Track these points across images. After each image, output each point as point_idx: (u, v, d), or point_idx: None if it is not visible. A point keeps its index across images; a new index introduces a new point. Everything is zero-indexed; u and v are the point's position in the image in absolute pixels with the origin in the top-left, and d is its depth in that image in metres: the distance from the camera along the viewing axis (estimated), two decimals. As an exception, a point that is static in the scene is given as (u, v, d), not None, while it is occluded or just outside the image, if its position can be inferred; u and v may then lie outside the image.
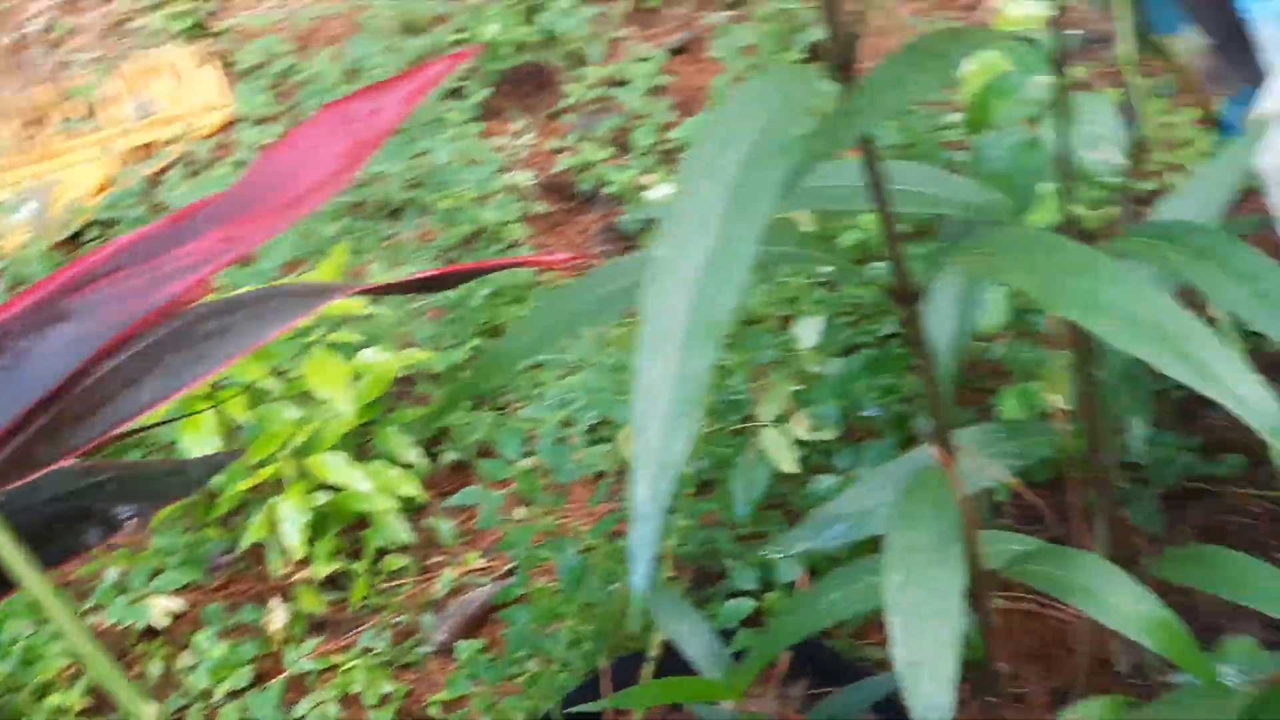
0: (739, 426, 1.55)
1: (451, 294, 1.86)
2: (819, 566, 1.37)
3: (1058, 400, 1.18)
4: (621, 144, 2.20)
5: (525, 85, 2.41)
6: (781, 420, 1.44)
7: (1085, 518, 0.95)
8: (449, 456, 1.70)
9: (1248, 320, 0.65)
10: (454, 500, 1.49)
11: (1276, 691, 0.76)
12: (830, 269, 1.55)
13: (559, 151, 2.23)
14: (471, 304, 1.85)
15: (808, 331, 1.54)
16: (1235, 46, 1.02)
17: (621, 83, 2.33)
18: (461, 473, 1.69)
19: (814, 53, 2.25)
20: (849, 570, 0.82)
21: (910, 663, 0.65)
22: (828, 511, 0.84)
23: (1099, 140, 0.86)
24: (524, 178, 2.16)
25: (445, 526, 1.61)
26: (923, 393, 0.95)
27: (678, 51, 2.42)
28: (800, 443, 1.43)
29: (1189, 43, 1.26)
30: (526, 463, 1.56)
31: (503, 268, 1.08)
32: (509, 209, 2.07)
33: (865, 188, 0.66)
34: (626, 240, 2.05)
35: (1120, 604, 0.78)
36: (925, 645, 0.65)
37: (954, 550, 0.68)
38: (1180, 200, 0.84)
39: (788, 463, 1.43)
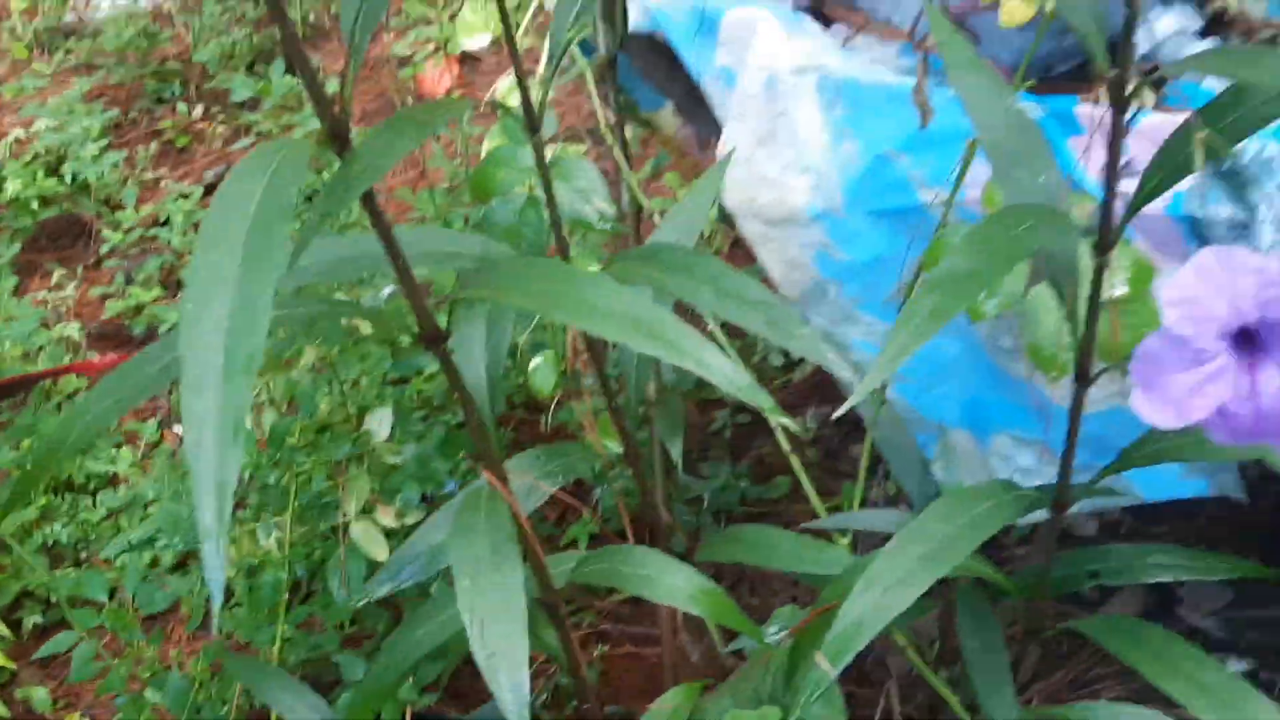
0: (331, 525, 1.58)
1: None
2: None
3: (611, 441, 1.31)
4: (170, 283, 2.20)
5: (61, 238, 2.36)
6: (368, 511, 1.49)
7: (636, 522, 1.06)
8: (33, 620, 1.63)
9: (717, 313, 0.78)
10: (44, 650, 1.44)
11: (801, 636, 0.89)
12: (391, 362, 1.63)
13: (106, 298, 2.20)
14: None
15: (380, 424, 1.61)
16: (695, 108, 1.18)
17: (162, 222, 2.33)
18: (51, 635, 1.63)
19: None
20: (431, 605, 0.89)
21: (489, 655, 0.73)
22: (402, 554, 0.91)
23: (589, 195, 0.98)
24: (72, 329, 2.11)
25: (39, 694, 1.54)
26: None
27: (214, 186, 2.44)
28: (390, 531, 1.49)
29: (668, 114, 1.44)
30: (117, 602, 1.53)
31: (45, 377, 1.08)
32: (60, 362, 2.02)
33: (384, 251, 0.74)
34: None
35: (672, 584, 0.89)
36: (498, 639, 0.73)
37: (510, 554, 0.76)
38: (665, 230, 0.97)
39: (380, 552, 1.48)
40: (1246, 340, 0.50)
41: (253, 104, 2.64)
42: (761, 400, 0.65)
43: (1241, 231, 0.89)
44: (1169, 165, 0.70)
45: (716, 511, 1.62)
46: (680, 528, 1.08)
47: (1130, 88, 0.68)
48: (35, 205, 2.35)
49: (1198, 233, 0.90)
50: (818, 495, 1.15)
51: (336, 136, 0.69)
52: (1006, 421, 1.06)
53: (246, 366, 0.55)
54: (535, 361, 1.41)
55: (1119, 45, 0.67)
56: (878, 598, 0.77)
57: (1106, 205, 0.73)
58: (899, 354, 0.63)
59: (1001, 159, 0.78)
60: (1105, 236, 0.73)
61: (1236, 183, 0.87)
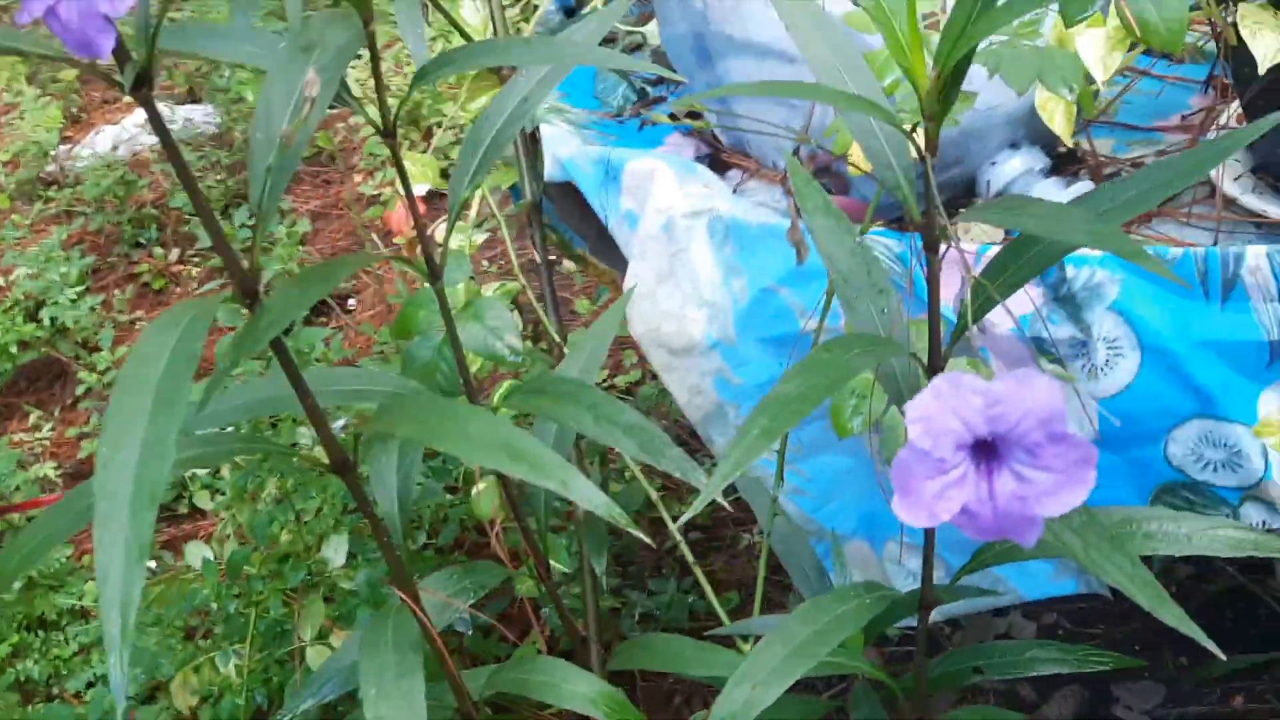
0: (289, 650, 1.65)
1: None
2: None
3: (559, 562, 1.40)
4: (143, 420, 2.28)
5: (39, 380, 2.46)
6: (324, 636, 1.57)
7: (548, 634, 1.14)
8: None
9: (595, 437, 0.87)
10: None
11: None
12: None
13: (82, 437, 2.28)
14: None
15: (336, 552, 1.69)
16: (608, 249, 1.28)
17: (136, 363, 2.42)
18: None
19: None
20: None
21: (391, 756, 0.80)
22: (327, 668, 0.99)
23: (501, 332, 1.08)
24: (48, 468, 2.19)
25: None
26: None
27: (188, 326, 2.54)
28: (342, 654, 1.55)
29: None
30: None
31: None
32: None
33: (295, 391, 0.83)
34: (163, 511, 2.13)
35: (574, 690, 0.97)
36: (400, 740, 0.81)
37: (413, 664, 0.84)
38: (571, 360, 1.07)
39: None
40: (986, 450, 0.59)
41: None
42: (616, 516, 0.74)
43: (1080, 348, 0.98)
44: (978, 297, 0.80)
45: (650, 620, 1.69)
46: (595, 639, 1.16)
47: (937, 230, 0.77)
48: (14, 349, 2.45)
49: (1043, 351, 1.00)
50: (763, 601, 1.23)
51: (246, 293, 0.79)
52: (896, 529, 1.14)
53: (151, 500, 0.64)
54: (479, 487, 1.49)
55: (924, 195, 0.77)
56: (747, 694, 0.85)
57: (932, 330, 0.82)
58: (733, 470, 0.71)
59: (847, 290, 0.88)
60: (934, 358, 0.83)
61: (1072, 305, 0.97)
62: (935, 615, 1.41)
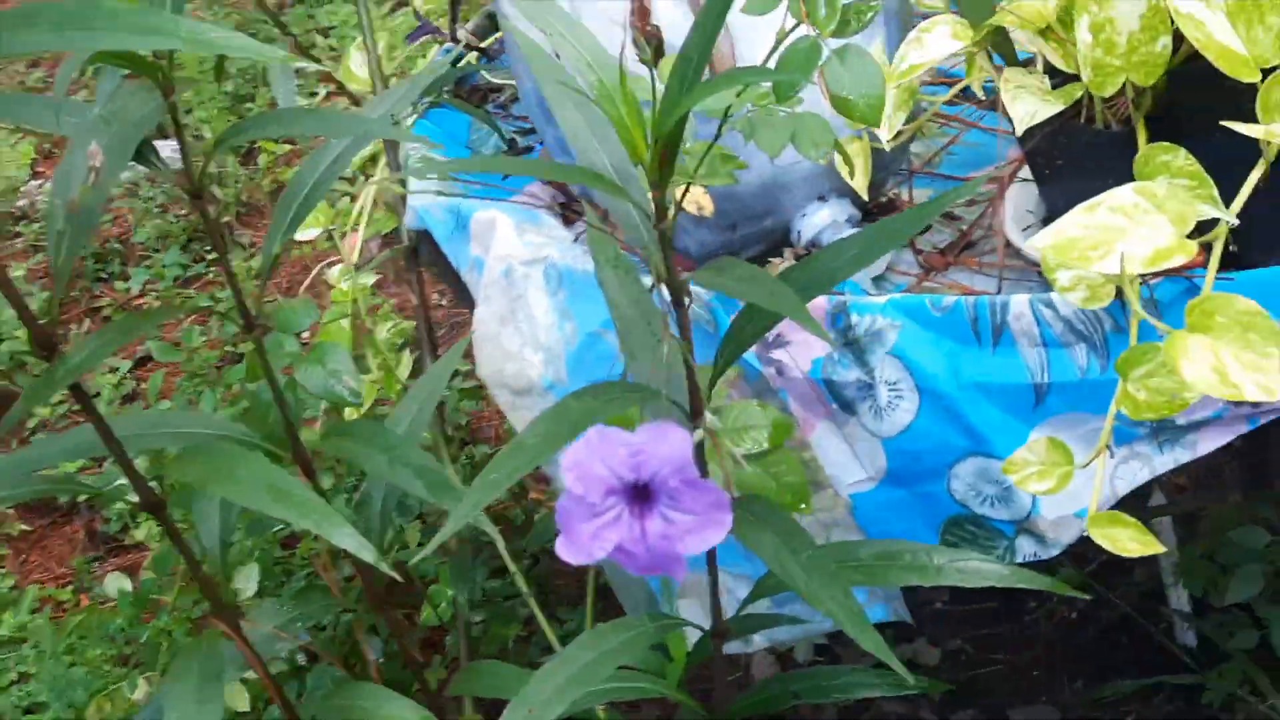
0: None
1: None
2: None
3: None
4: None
5: (-7, 413, 2.53)
6: (227, 662, 1.63)
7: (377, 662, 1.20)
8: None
9: (387, 477, 0.93)
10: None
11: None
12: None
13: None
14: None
15: (247, 582, 1.75)
16: (465, 292, 1.34)
17: (93, 395, 2.50)
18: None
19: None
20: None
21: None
22: (159, 696, 1.05)
23: (340, 374, 1.14)
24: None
25: None
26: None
27: (146, 359, 2.63)
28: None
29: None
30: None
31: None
32: (-18, 532, 2.18)
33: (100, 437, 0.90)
34: (111, 542, 2.20)
35: (392, 713, 1.03)
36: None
37: (214, 692, 0.91)
38: (408, 400, 1.13)
39: (241, 703, 1.61)
40: (641, 495, 0.64)
41: (187, 280, 2.84)
42: (368, 556, 0.80)
43: (867, 390, 1.04)
44: (729, 346, 0.86)
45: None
46: (424, 667, 1.22)
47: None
48: (-29, 382, 2.53)
49: (834, 393, 1.06)
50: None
51: (42, 345, 0.86)
52: (725, 560, 1.20)
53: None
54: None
55: (664, 255, 0.83)
56: (523, 717, 0.90)
57: (690, 378, 0.88)
58: (473, 508, 0.77)
59: (629, 339, 0.94)
60: (694, 404, 0.89)
61: (857, 350, 1.03)
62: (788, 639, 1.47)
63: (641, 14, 1.05)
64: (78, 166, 0.87)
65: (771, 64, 0.78)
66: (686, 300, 0.85)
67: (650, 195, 0.80)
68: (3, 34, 0.68)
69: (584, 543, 0.63)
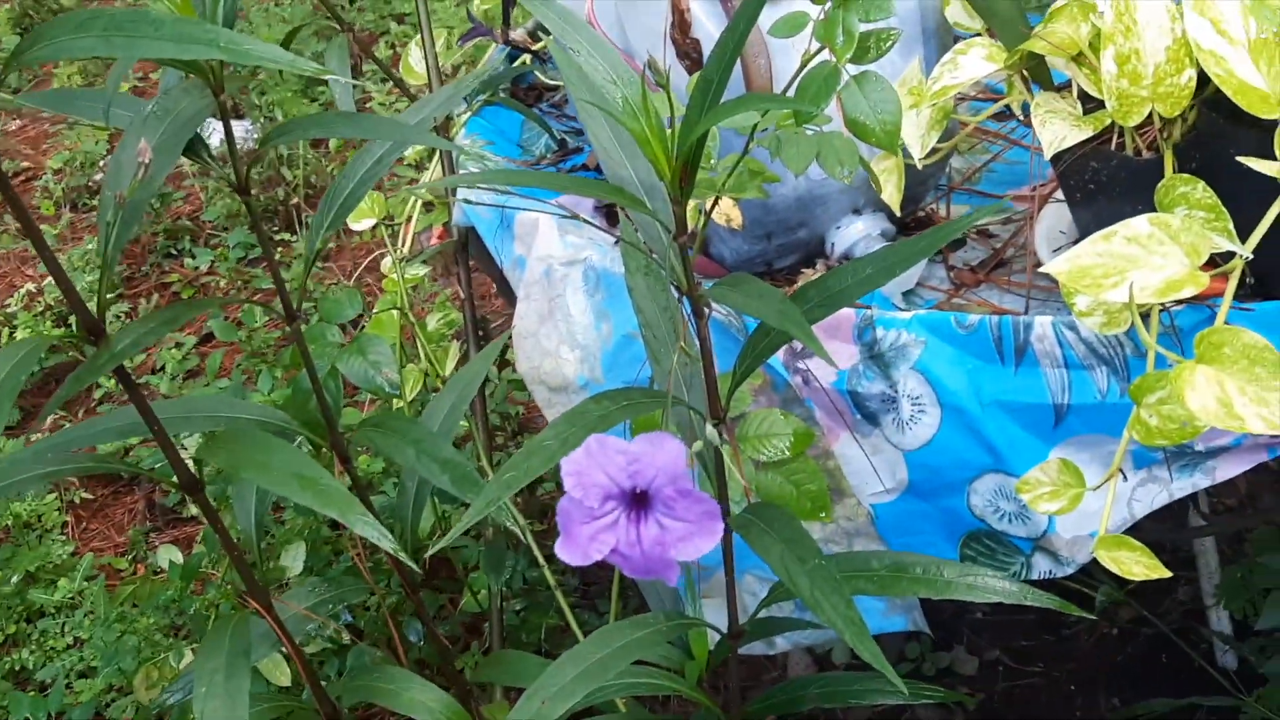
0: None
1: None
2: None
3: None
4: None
5: (62, 380, 2.60)
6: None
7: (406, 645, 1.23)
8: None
9: (416, 469, 0.96)
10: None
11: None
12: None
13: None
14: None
15: (294, 560, 1.80)
16: (506, 286, 1.38)
17: (158, 369, 2.56)
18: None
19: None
20: None
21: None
22: (190, 669, 1.09)
23: (380, 366, 1.18)
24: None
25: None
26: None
27: (210, 336, 2.69)
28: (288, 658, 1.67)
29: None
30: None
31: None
32: (46, 500, 2.24)
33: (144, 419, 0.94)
34: (170, 514, 2.26)
35: (413, 697, 1.06)
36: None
37: (241, 667, 0.94)
38: (445, 393, 1.16)
39: (283, 677, 1.66)
40: (639, 501, 0.67)
41: (253, 261, 2.90)
42: (389, 546, 0.84)
43: (890, 404, 1.06)
44: (748, 357, 0.88)
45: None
46: (462, 652, 1.25)
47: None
48: (43, 353, 2.60)
49: (858, 405, 1.07)
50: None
51: (91, 331, 0.90)
52: (752, 563, 1.22)
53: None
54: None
55: (685, 267, 0.85)
56: (536, 708, 0.93)
57: (709, 384, 0.90)
58: (486, 506, 0.80)
59: (655, 345, 0.97)
60: (714, 408, 0.91)
61: (882, 363, 1.05)
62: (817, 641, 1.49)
63: (682, 27, 1.07)
64: (129, 160, 0.91)
65: (795, 88, 0.80)
66: (707, 310, 0.87)
67: (673, 210, 0.82)
68: (58, 39, 0.73)
69: (582, 544, 0.66)
